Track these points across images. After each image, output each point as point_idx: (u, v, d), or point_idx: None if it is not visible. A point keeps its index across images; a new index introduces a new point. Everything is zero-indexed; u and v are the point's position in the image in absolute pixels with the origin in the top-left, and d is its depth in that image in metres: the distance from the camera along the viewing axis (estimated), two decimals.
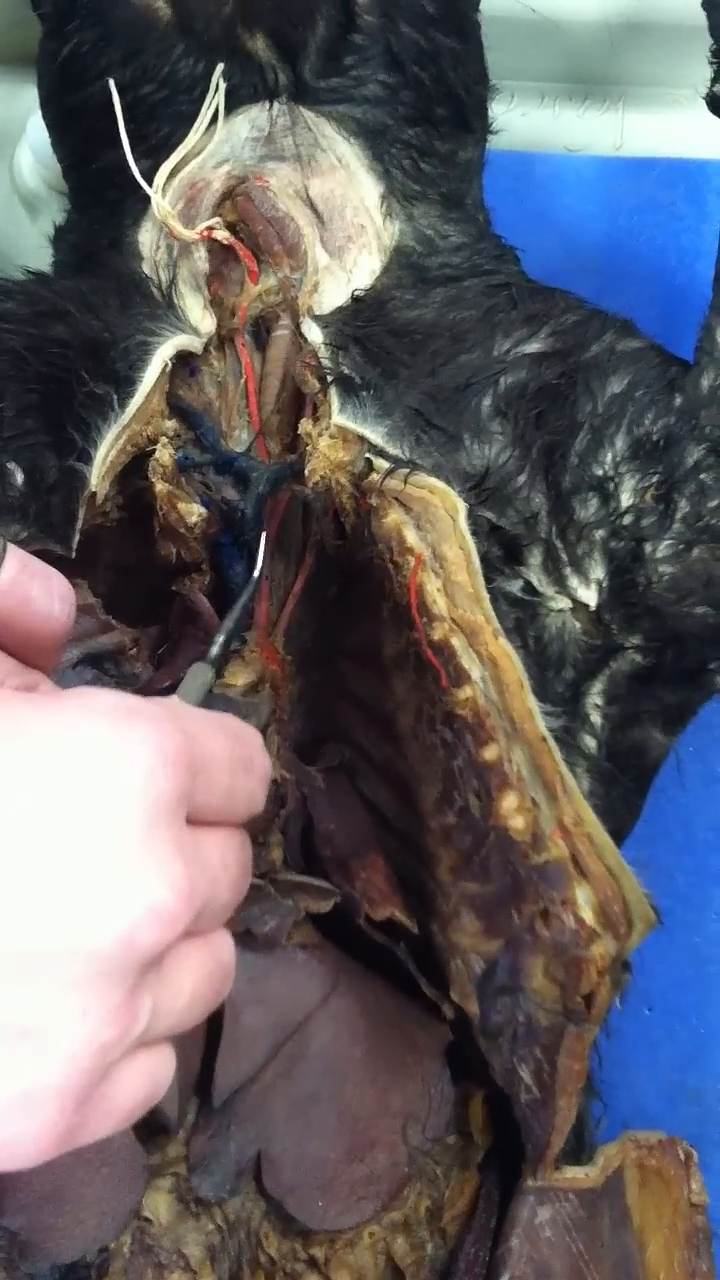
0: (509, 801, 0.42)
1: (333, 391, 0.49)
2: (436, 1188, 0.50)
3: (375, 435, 0.48)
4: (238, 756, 0.36)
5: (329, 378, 0.49)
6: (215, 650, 0.45)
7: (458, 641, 0.44)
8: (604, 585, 0.49)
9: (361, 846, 0.50)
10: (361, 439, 0.48)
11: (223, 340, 0.55)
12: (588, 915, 0.41)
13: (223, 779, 0.35)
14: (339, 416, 0.48)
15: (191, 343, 0.54)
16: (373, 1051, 0.48)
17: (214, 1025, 0.47)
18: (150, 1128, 0.48)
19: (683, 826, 0.61)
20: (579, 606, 0.50)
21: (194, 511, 0.50)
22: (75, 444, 0.51)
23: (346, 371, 0.49)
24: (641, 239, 0.67)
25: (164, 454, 0.50)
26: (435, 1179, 0.50)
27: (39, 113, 0.70)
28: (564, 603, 0.50)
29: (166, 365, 0.53)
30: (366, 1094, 0.48)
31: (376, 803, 0.52)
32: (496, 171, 0.62)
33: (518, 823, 0.42)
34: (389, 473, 0.46)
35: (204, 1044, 0.47)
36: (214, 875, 0.34)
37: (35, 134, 0.71)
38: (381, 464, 0.46)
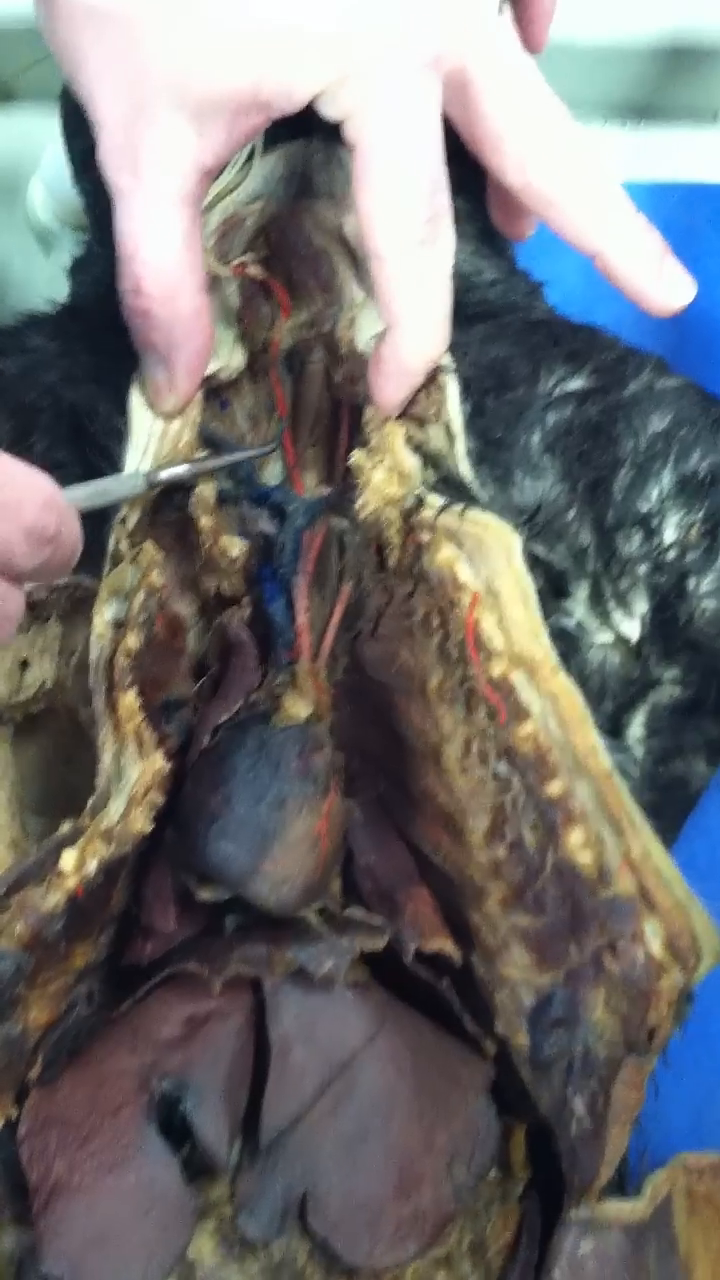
0: (576, 837, 0.42)
1: (450, 380, 0.48)
2: (478, 1221, 0.50)
3: (460, 445, 0.48)
4: None
5: (447, 370, 0.49)
6: (171, 473, 0.48)
7: (517, 677, 0.44)
8: (646, 619, 0.50)
9: (404, 879, 0.50)
10: (428, 462, 0.48)
11: (255, 374, 0.55)
12: (656, 949, 0.42)
13: None
14: (452, 407, 0.48)
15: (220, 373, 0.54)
16: (419, 1089, 0.47)
17: (260, 1064, 0.47)
18: (195, 1168, 0.47)
19: (709, 851, 0.61)
20: (620, 640, 0.50)
21: (235, 545, 0.50)
22: (103, 475, 0.51)
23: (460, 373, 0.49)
24: None
25: (206, 489, 0.50)
26: (477, 1214, 0.50)
27: (52, 147, 0.70)
28: (607, 636, 0.50)
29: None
30: (413, 1131, 0.47)
31: (412, 837, 0.52)
32: None
33: (585, 858, 0.42)
34: (443, 509, 0.46)
35: (250, 1083, 0.47)
36: None
37: (49, 168, 0.71)
38: (434, 500, 0.47)
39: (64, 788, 0.54)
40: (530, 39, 0.57)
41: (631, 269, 0.48)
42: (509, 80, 0.47)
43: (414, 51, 0.44)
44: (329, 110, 0.45)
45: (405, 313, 0.46)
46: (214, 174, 0.47)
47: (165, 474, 0.49)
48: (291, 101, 0.45)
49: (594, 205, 0.48)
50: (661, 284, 0.48)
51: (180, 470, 0.49)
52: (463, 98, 0.46)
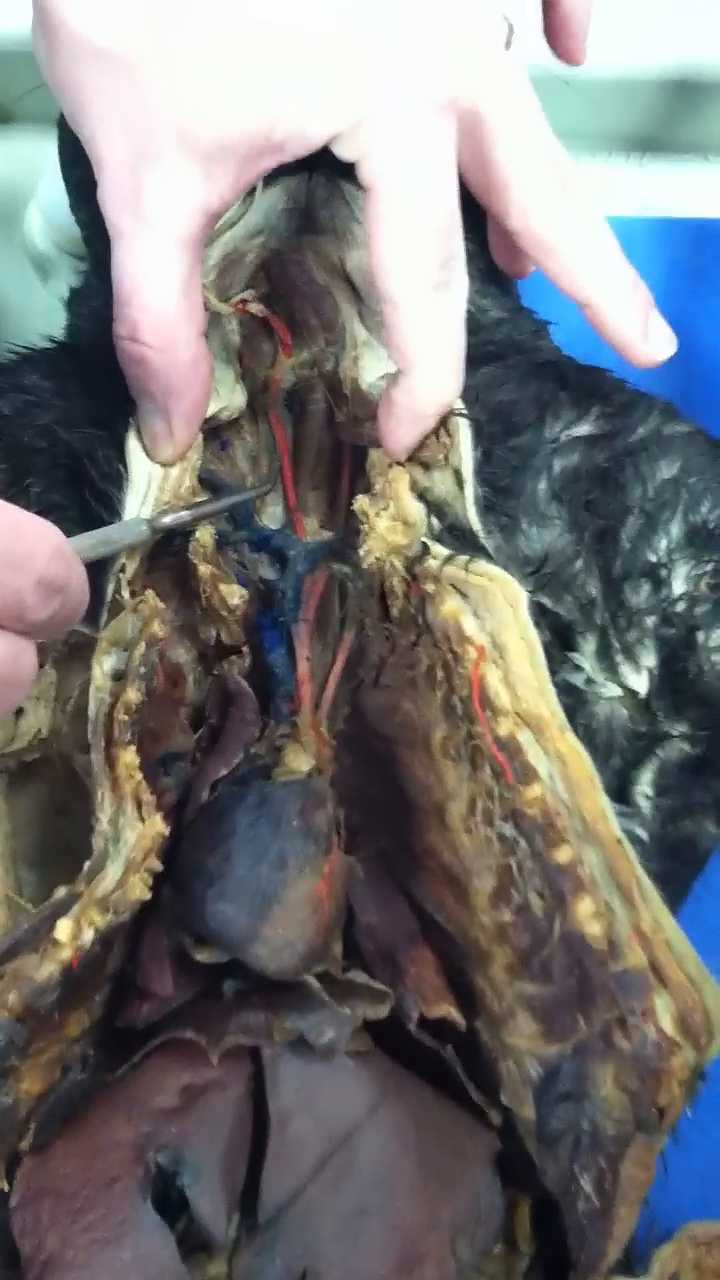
0: (585, 907, 0.41)
1: (464, 426, 0.47)
2: None
3: (470, 492, 0.47)
4: (3, 548, 0.35)
5: (460, 415, 0.48)
6: (175, 517, 0.47)
7: (524, 737, 0.42)
8: (654, 673, 0.48)
9: (407, 939, 0.49)
10: (435, 509, 0.47)
11: (255, 414, 0.54)
12: (668, 1025, 0.40)
13: None
14: (465, 452, 0.47)
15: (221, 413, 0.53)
16: (423, 1162, 0.46)
17: (259, 1137, 0.45)
18: (191, 1244, 0.45)
19: (717, 913, 0.60)
20: (628, 694, 0.49)
21: (235, 593, 0.49)
22: (101, 520, 0.50)
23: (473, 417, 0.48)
24: (667, 302, 0.65)
25: (204, 535, 0.48)
26: None
27: (49, 174, 0.69)
28: (614, 690, 0.49)
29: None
30: (416, 1206, 0.45)
31: (415, 895, 0.50)
32: None
33: (594, 929, 0.40)
34: (448, 559, 0.45)
35: (249, 1155, 0.45)
36: None
37: (46, 195, 0.70)
38: (439, 550, 0.45)
39: (59, 839, 0.52)
40: (568, 53, 0.56)
41: (620, 323, 0.48)
42: (520, 124, 0.45)
43: (430, 93, 0.43)
44: (344, 151, 0.44)
45: (420, 357, 0.45)
46: (218, 217, 0.46)
47: (168, 519, 0.47)
48: (306, 144, 0.43)
49: (589, 256, 0.47)
50: (647, 339, 0.49)
51: (183, 515, 0.48)
52: (474, 139, 0.45)
